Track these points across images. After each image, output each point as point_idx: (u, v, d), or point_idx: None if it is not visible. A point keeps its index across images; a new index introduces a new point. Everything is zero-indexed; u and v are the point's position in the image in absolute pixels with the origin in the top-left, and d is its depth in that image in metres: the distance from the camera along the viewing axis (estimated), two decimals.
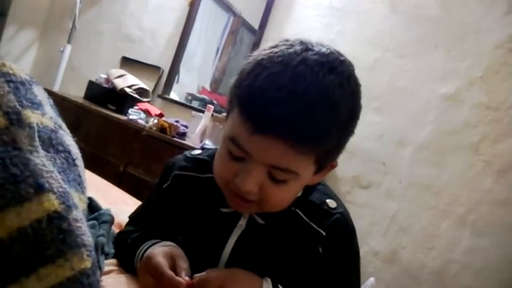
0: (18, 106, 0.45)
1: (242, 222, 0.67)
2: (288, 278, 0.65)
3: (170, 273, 0.58)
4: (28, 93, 0.50)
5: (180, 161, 0.74)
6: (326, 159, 0.60)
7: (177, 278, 0.57)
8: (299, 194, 0.67)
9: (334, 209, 0.67)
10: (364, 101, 2.03)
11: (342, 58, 0.58)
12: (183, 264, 0.61)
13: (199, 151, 0.76)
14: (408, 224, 1.85)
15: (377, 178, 1.95)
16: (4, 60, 0.48)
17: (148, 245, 0.66)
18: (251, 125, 0.53)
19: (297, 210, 0.66)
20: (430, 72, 1.90)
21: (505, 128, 1.70)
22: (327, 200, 0.67)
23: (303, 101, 0.51)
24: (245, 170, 0.57)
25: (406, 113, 1.93)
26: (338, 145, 0.60)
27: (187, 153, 0.76)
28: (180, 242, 0.69)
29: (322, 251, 0.65)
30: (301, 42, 0.57)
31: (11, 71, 0.49)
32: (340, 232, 0.66)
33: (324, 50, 0.56)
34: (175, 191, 0.72)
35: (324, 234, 0.64)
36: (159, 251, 0.62)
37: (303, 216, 0.66)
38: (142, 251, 0.66)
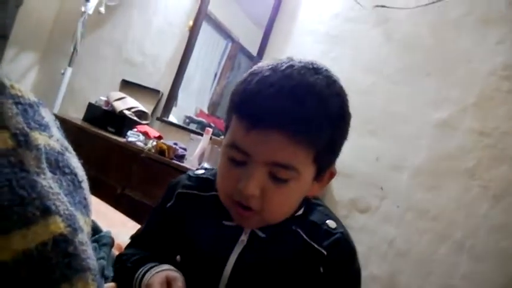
0: (26, 128, 0.46)
1: (243, 238, 0.67)
2: None
3: None
4: (36, 115, 0.50)
5: (183, 180, 0.75)
6: (324, 159, 0.62)
7: None
8: (300, 212, 0.68)
9: (335, 229, 0.67)
10: (359, 123, 2.07)
11: (326, 67, 0.62)
12: (178, 284, 0.61)
13: (203, 171, 0.77)
14: (406, 249, 1.84)
15: (375, 202, 1.95)
16: (13, 82, 0.49)
17: (145, 269, 0.66)
18: (247, 123, 0.57)
19: (298, 230, 0.66)
20: (424, 98, 1.93)
21: (499, 154, 1.72)
22: (327, 221, 0.68)
23: (292, 95, 0.56)
24: (246, 174, 0.59)
25: (401, 137, 1.95)
26: (333, 142, 0.61)
27: (190, 172, 0.77)
28: (179, 262, 0.69)
29: (323, 270, 0.64)
30: (288, 57, 0.62)
31: (19, 93, 0.49)
32: (341, 251, 0.66)
33: (309, 60, 0.61)
34: (179, 210, 0.72)
35: (325, 253, 0.64)
36: (156, 280, 0.62)
37: (304, 236, 0.66)
38: (140, 275, 0.66)
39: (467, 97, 1.82)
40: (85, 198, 0.51)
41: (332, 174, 0.67)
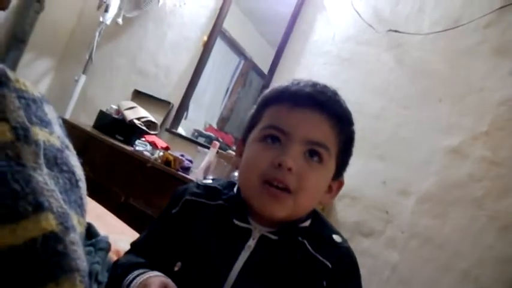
0: (27, 122, 0.46)
1: (251, 243, 0.66)
2: None
3: None
4: (38, 111, 0.50)
5: (191, 188, 0.75)
6: (342, 158, 0.69)
7: None
8: (307, 224, 0.69)
9: (340, 243, 0.69)
10: (367, 147, 2.06)
11: None
12: None
13: (211, 180, 0.78)
14: (409, 276, 1.79)
15: (379, 226, 1.91)
16: (18, 76, 0.49)
17: (133, 276, 0.64)
18: (289, 104, 0.66)
19: (304, 241, 0.67)
20: (434, 124, 1.91)
21: (509, 184, 1.68)
22: (333, 235, 0.69)
23: (326, 89, 0.67)
24: (284, 149, 0.64)
25: (410, 163, 1.92)
26: (349, 143, 0.70)
27: (198, 181, 0.78)
28: (179, 270, 0.67)
29: (326, 284, 0.64)
30: None
31: (24, 88, 0.50)
32: (346, 265, 0.67)
33: None
34: (184, 217, 0.72)
35: (330, 266, 0.65)
36: (154, 281, 0.60)
37: (309, 248, 0.66)
38: (127, 282, 0.64)
39: (479, 125, 1.80)
40: (81, 198, 0.50)
41: (341, 184, 0.72)
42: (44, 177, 0.44)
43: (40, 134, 0.47)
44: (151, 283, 0.60)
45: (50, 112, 0.53)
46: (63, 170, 0.49)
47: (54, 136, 0.50)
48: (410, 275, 1.79)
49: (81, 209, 0.49)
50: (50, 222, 0.41)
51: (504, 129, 1.74)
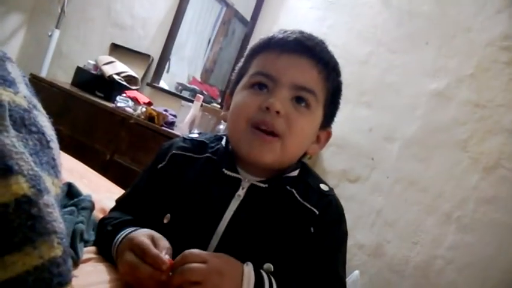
0: None
1: (240, 193, 0.68)
2: (277, 257, 0.65)
3: (155, 251, 0.56)
4: (0, 70, 0.47)
5: (178, 142, 0.76)
6: (329, 107, 0.70)
7: (162, 256, 0.55)
8: (295, 174, 0.71)
9: (327, 191, 0.71)
10: (354, 95, 2.04)
11: None
12: (165, 244, 0.59)
13: (197, 134, 0.79)
14: (394, 219, 1.85)
15: (365, 172, 1.95)
16: None
17: (125, 234, 0.64)
18: (278, 50, 0.66)
19: (292, 190, 0.69)
20: (421, 68, 1.89)
21: (493, 126, 1.70)
22: (320, 185, 0.72)
23: (313, 36, 0.69)
24: (272, 94, 0.65)
25: (396, 108, 1.92)
26: (337, 93, 0.71)
27: (185, 135, 0.79)
28: (168, 222, 0.68)
29: (313, 230, 0.66)
30: None
31: None
32: (332, 212, 0.69)
33: None
34: (172, 170, 0.72)
35: (317, 213, 0.67)
36: (141, 233, 0.61)
37: (298, 197, 0.68)
38: (119, 240, 0.64)
39: (465, 68, 1.78)
40: (53, 159, 0.48)
41: (329, 135, 0.74)
42: (11, 140, 0.42)
43: (4, 95, 0.45)
44: (139, 235, 0.60)
45: (14, 71, 0.49)
46: (32, 131, 0.46)
47: (20, 96, 0.47)
48: (395, 217, 1.85)
49: (54, 170, 0.47)
50: (21, 185, 0.40)
51: (489, 70, 1.74)
